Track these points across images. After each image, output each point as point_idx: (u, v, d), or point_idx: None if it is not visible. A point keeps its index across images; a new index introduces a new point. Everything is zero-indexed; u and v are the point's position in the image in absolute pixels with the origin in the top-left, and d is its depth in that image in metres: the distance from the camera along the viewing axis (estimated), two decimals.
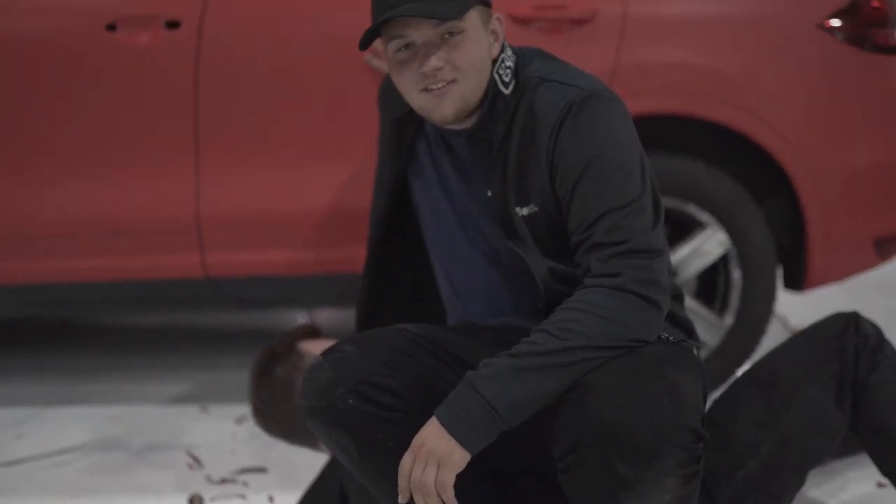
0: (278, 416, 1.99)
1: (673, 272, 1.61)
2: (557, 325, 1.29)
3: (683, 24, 2.20)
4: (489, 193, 1.48)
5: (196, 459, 2.11)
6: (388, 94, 1.64)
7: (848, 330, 1.61)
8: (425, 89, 1.40)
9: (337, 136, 2.18)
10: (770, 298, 2.34)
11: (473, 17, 1.40)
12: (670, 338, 1.39)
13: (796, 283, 2.40)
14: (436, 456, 1.25)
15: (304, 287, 2.27)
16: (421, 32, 1.37)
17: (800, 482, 1.62)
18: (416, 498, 1.27)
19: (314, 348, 1.97)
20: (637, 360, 1.30)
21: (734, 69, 2.20)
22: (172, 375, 2.62)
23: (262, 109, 2.17)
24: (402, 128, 1.60)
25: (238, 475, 2.03)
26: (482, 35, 1.42)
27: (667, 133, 2.27)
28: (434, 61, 1.37)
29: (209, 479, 2.02)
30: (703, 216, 2.26)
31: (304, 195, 2.19)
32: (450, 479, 1.25)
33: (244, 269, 2.23)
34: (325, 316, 3.30)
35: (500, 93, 1.45)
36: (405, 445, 1.30)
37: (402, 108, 1.56)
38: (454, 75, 1.39)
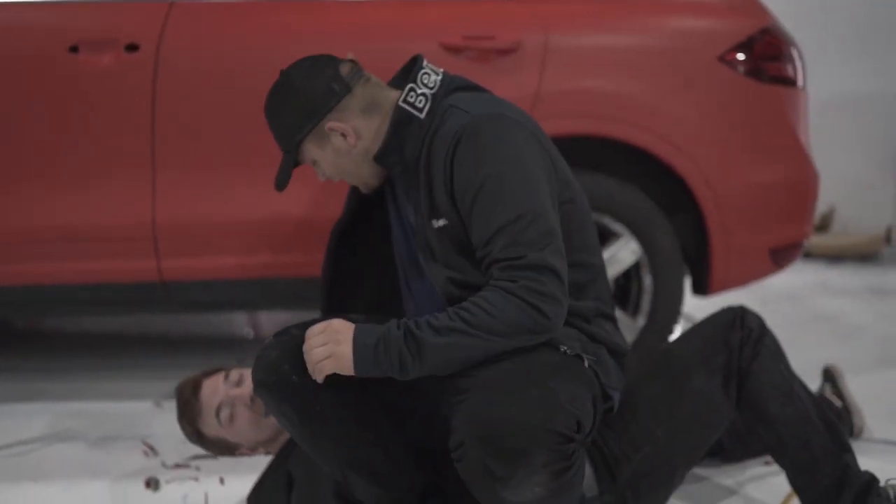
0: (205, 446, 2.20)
1: (607, 295, 1.77)
2: (457, 313, 1.48)
3: (599, 54, 2.45)
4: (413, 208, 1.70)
5: (151, 448, 2.28)
6: None
7: (734, 324, 1.81)
8: None
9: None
10: (678, 301, 2.59)
11: (308, 147, 1.71)
12: (567, 350, 1.56)
13: (702, 288, 2.66)
14: (332, 351, 1.50)
15: (253, 290, 2.46)
16: None
17: (690, 464, 1.83)
18: (307, 362, 1.53)
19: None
20: (523, 369, 1.46)
21: (644, 96, 2.45)
22: (125, 374, 2.78)
23: (214, 126, 2.36)
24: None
25: (191, 461, 2.20)
26: (323, 153, 1.71)
27: (585, 153, 2.51)
28: (319, 178, 1.78)
29: (164, 465, 2.19)
30: (618, 227, 2.51)
31: (253, 205, 2.38)
32: (327, 371, 1.51)
33: (197, 274, 2.41)
34: (266, 319, 3.47)
35: (413, 118, 1.64)
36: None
37: None
38: (337, 179, 1.77)
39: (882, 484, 1.75)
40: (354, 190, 1.89)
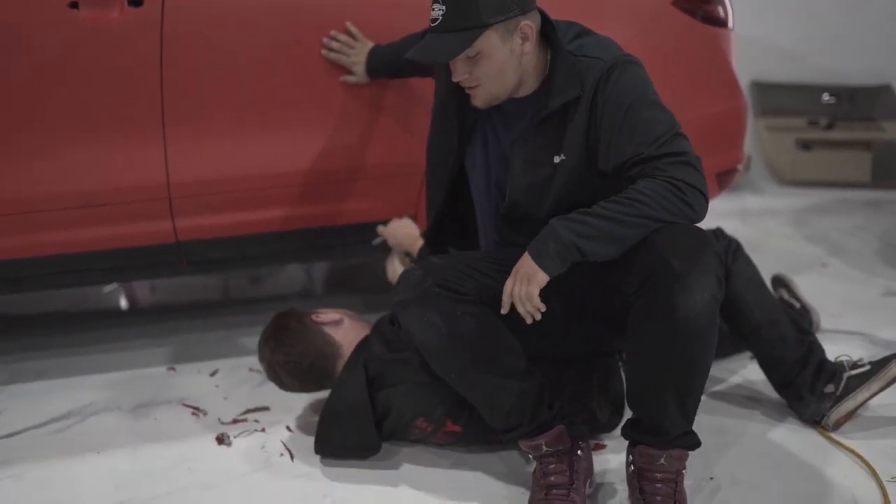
0: (296, 359, 2.07)
1: None
2: (627, 198, 1.65)
3: (579, 4, 2.62)
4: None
5: (197, 409, 2.26)
6: (441, 69, 1.97)
7: (717, 235, 2.34)
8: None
9: (294, 103, 2.38)
10: None
11: (489, 37, 1.72)
12: None
13: None
14: (526, 275, 1.67)
15: (267, 244, 2.46)
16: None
17: None
18: (517, 307, 1.69)
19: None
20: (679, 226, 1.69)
21: (617, 39, 2.66)
22: (122, 346, 2.68)
23: (223, 81, 2.32)
24: (463, 100, 1.91)
25: (246, 415, 2.21)
26: (501, 48, 1.74)
27: None
28: (457, 75, 1.78)
29: (221, 422, 2.18)
30: None
31: (264, 159, 2.38)
32: (535, 291, 1.67)
33: (211, 232, 2.39)
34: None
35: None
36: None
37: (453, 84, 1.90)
38: (476, 83, 1.78)
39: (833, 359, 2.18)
40: (447, 144, 1.99)
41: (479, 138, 1.96)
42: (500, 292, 1.75)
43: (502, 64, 1.76)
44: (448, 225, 2.10)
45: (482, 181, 1.99)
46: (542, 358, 1.91)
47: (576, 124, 1.79)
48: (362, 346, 2.04)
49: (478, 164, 1.98)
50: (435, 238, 2.12)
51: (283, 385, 2.12)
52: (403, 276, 1.83)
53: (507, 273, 1.82)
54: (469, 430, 1.97)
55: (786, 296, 2.71)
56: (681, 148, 1.70)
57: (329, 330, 2.10)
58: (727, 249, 2.30)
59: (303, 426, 2.15)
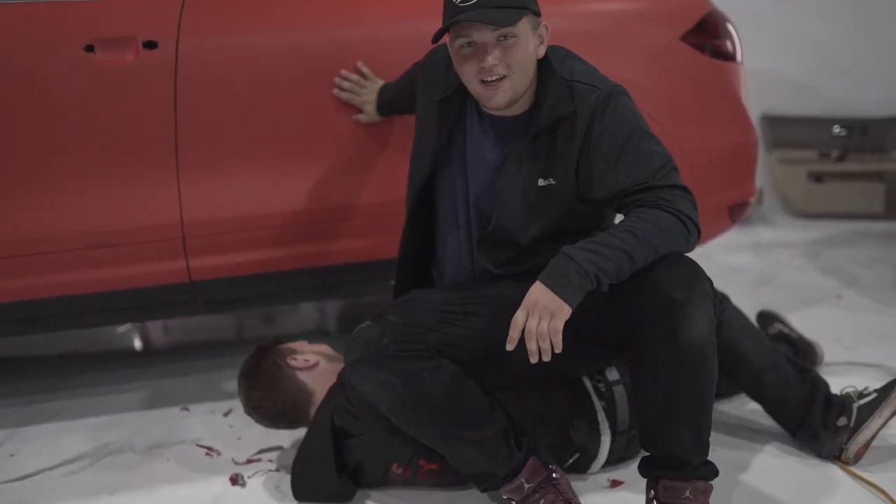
0: (268, 405, 2.09)
1: None
2: (640, 229, 1.63)
3: (589, 40, 2.64)
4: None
5: (210, 449, 2.25)
6: (431, 76, 1.95)
7: None
8: (483, 81, 1.73)
9: (306, 143, 2.40)
10: None
11: (524, 23, 1.72)
12: None
13: None
14: (549, 310, 1.57)
15: (281, 283, 2.46)
16: (481, 34, 1.70)
17: None
18: (530, 345, 1.58)
19: (294, 345, 2.19)
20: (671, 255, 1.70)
21: (626, 74, 2.68)
22: (136, 386, 2.68)
23: (237, 121, 2.34)
24: (447, 108, 1.90)
25: (260, 455, 2.20)
26: (531, 39, 1.74)
27: None
28: (491, 59, 1.70)
29: (235, 462, 2.17)
30: None
31: (277, 198, 2.39)
32: (561, 325, 1.57)
33: (225, 271, 2.39)
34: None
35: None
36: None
37: (447, 90, 1.88)
38: (506, 72, 1.72)
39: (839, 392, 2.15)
40: (424, 156, 1.95)
41: (457, 154, 1.91)
42: (467, 338, 1.76)
43: (530, 54, 1.74)
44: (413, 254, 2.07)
45: (457, 202, 1.94)
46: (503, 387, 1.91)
47: (568, 149, 1.77)
48: (332, 392, 2.02)
49: (456, 183, 1.92)
50: (405, 274, 2.07)
51: (257, 421, 2.13)
52: (357, 333, 1.81)
53: (474, 315, 1.83)
54: (447, 465, 1.90)
55: (785, 329, 2.68)
56: (679, 182, 1.73)
57: (302, 376, 2.09)
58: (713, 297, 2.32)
59: None
